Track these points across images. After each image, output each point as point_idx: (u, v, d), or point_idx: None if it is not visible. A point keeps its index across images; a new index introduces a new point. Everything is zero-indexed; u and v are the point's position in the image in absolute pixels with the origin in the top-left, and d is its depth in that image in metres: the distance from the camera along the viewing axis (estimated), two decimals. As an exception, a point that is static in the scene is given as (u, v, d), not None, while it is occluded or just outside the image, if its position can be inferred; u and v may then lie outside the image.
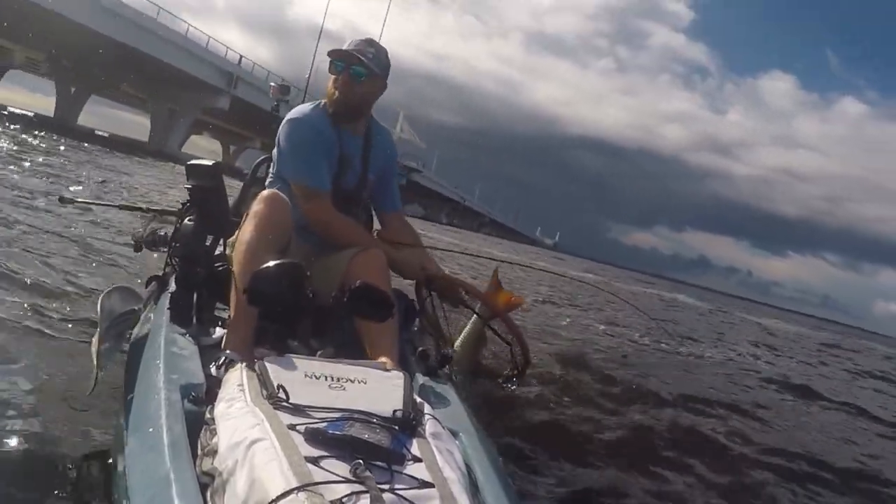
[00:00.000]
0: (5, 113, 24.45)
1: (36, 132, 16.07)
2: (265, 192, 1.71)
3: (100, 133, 31.68)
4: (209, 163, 1.54)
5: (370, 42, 1.92)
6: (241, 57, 31.18)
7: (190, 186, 1.55)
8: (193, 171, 1.52)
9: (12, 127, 15.35)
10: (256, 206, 1.64)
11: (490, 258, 2.87)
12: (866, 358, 14.26)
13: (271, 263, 1.37)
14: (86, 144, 15.42)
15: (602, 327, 7.06)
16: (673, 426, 3.24)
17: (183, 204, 1.64)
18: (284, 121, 1.95)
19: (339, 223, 1.86)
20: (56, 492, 1.35)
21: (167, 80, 28.08)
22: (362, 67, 1.85)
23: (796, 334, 18.23)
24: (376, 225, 2.13)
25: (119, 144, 26.12)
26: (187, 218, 1.60)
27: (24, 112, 30.84)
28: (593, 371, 3.98)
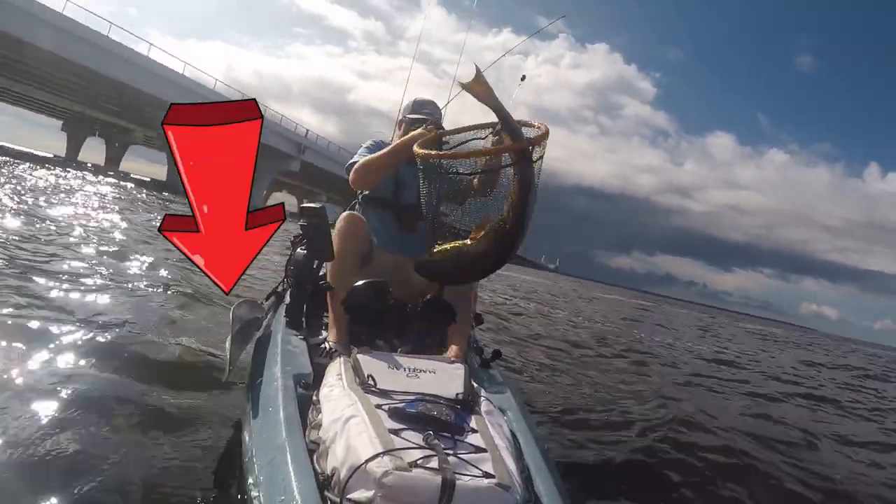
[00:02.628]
0: (132, 178, 30.42)
1: (153, 192, 19.09)
2: (344, 213, 1.97)
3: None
4: (317, 205, 1.76)
5: (437, 106, 2.22)
6: (307, 130, 37.29)
7: (302, 223, 1.78)
8: (305, 212, 1.75)
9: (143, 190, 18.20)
10: (339, 224, 1.93)
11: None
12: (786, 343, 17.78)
13: (361, 282, 1.64)
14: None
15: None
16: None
17: (296, 237, 1.87)
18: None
19: (368, 160, 2.00)
20: (199, 451, 1.63)
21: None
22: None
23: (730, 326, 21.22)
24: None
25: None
26: (299, 247, 1.83)
27: (142, 178, 37.15)
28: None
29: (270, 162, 34.73)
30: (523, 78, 2.13)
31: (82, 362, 1.98)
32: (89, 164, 42.17)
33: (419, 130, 1.92)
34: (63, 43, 21.39)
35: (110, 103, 30.84)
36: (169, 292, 3.34)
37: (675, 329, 12.51)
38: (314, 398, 1.29)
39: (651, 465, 2.53)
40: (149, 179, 37.15)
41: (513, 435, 1.27)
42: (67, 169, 21.52)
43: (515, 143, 1.52)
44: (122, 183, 20.12)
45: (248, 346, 1.82)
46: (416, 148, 1.68)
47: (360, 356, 1.35)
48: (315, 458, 1.11)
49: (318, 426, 1.17)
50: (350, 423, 1.10)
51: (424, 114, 2.19)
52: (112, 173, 27.10)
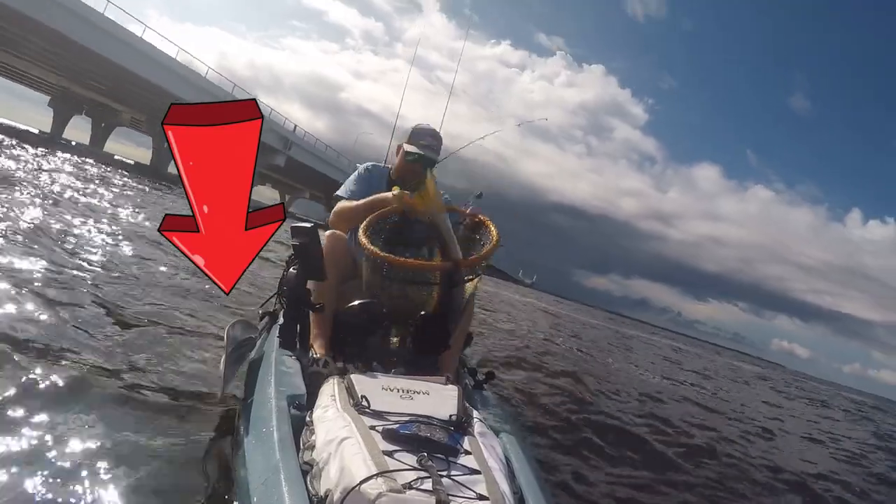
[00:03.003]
0: (115, 159, 30.11)
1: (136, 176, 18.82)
2: (327, 233, 1.99)
3: (184, 180, 36.13)
4: (308, 225, 1.76)
5: (435, 136, 2.28)
6: (295, 126, 36.62)
7: (294, 243, 1.77)
8: (296, 232, 1.74)
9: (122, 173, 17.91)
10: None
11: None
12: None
13: (356, 303, 1.68)
14: (171, 186, 17.35)
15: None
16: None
17: (289, 256, 1.87)
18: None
19: (344, 209, 2.10)
20: (191, 472, 1.59)
21: (237, 141, 32.15)
22: (430, 163, 2.23)
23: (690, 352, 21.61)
24: None
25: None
26: (292, 267, 1.83)
27: (126, 160, 36.38)
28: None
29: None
30: (479, 195, 2.25)
31: (62, 380, 1.89)
32: (73, 143, 41.59)
33: (390, 196, 2.02)
34: (55, 15, 20.92)
35: (99, 82, 30.33)
36: (156, 307, 3.21)
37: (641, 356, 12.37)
38: (308, 419, 1.29)
39: (641, 487, 2.61)
40: (132, 162, 36.42)
41: (506, 457, 1.28)
42: (49, 147, 20.99)
43: (442, 264, 1.77)
44: (103, 166, 19.61)
45: (242, 367, 1.81)
46: (361, 237, 1.82)
47: (353, 377, 1.36)
48: (308, 479, 1.12)
49: (312, 447, 1.17)
50: (344, 445, 1.10)
51: (422, 146, 2.24)
52: (95, 156, 26.64)
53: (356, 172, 2.35)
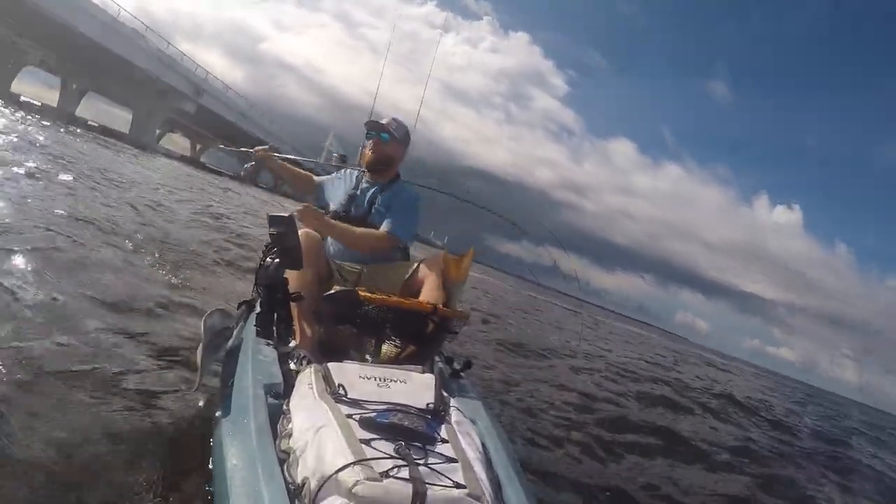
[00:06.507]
0: (22, 101, 29.92)
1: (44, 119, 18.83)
2: (301, 231, 1.96)
3: (91, 123, 35.07)
4: (285, 215, 1.76)
5: (395, 119, 2.45)
6: (207, 73, 36.81)
7: (271, 232, 1.76)
8: (273, 221, 1.74)
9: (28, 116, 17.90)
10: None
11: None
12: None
13: (335, 290, 1.70)
14: (78, 130, 17.12)
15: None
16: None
17: (266, 245, 1.85)
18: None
19: (317, 217, 2.18)
20: (167, 461, 1.60)
21: (146, 83, 32.54)
22: (388, 134, 2.42)
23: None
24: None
25: (106, 133, 31.13)
26: (269, 256, 1.82)
27: (33, 101, 35.03)
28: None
29: (164, 100, 34.41)
30: (343, 157, 2.50)
31: (30, 366, 1.88)
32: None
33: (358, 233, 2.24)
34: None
35: (2, 18, 28.64)
36: (129, 288, 3.14)
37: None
38: (284, 408, 1.29)
39: (616, 472, 2.70)
40: (39, 104, 34.89)
41: (483, 445, 1.29)
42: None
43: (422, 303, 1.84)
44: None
45: (219, 356, 1.81)
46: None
47: (330, 365, 1.36)
48: (286, 467, 1.12)
49: (289, 435, 1.17)
50: (321, 433, 1.10)
51: (371, 122, 2.46)
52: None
53: (332, 175, 2.62)
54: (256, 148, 2.67)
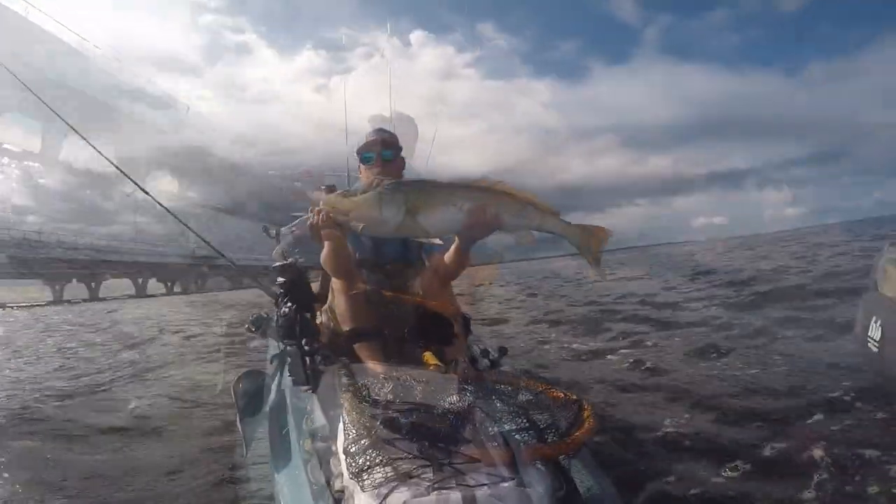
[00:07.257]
0: None
1: None
2: (325, 234, 1.86)
3: None
4: (289, 261, 1.79)
5: (383, 130, 2.14)
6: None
7: (280, 281, 1.79)
8: (283, 270, 1.77)
9: None
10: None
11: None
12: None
13: (361, 289, 1.76)
14: None
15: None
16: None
17: (278, 295, 1.87)
18: None
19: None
20: None
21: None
22: (390, 151, 2.10)
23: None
24: None
25: None
26: (283, 307, 1.81)
27: None
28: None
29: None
30: None
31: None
32: None
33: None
34: None
35: None
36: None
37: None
38: (333, 448, 1.31)
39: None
40: None
41: (507, 444, 1.26)
42: None
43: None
44: None
45: (260, 417, 1.82)
46: None
47: (354, 367, 1.39)
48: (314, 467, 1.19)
49: (341, 476, 1.20)
50: (345, 434, 1.12)
51: (370, 143, 2.11)
52: None
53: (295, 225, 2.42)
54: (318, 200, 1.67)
